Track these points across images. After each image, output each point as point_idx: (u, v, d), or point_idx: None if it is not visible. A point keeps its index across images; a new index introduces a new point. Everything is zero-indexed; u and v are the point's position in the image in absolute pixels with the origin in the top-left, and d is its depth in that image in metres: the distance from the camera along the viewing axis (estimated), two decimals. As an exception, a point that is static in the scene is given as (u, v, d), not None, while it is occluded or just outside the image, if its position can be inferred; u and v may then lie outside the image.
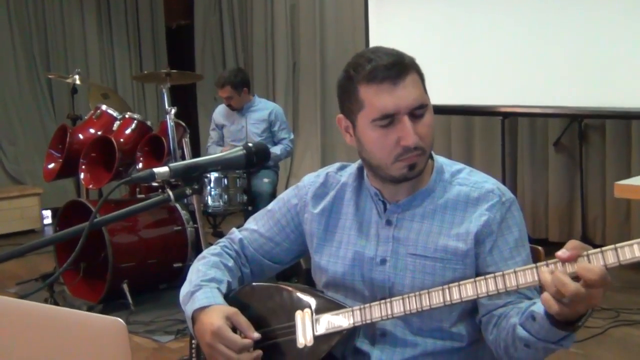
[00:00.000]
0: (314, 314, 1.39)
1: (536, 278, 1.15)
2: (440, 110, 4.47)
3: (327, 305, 1.39)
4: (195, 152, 5.84)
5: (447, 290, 1.25)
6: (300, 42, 6.60)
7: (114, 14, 7.17)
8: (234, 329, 1.39)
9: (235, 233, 1.65)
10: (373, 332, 1.44)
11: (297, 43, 6.64)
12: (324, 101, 6.40)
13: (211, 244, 1.66)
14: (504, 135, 4.51)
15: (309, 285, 1.59)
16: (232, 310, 1.41)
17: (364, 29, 5.06)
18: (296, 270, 3.39)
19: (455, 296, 1.24)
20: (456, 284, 1.24)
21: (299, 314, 1.41)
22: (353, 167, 1.56)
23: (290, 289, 1.46)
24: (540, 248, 1.54)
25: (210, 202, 4.30)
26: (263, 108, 5.00)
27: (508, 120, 4.59)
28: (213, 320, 1.37)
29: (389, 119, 1.35)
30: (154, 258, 4.09)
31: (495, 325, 1.36)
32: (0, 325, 1.07)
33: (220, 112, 5.12)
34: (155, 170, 1.39)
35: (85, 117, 4.58)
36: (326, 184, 1.57)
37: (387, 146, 1.36)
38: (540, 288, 1.17)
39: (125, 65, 7.24)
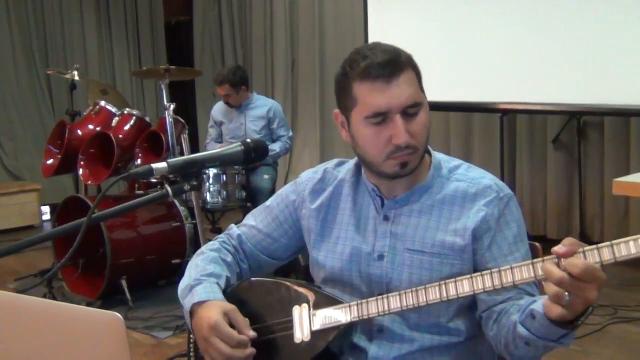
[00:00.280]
0: (311, 310, 1.39)
1: (532, 274, 1.16)
2: (439, 107, 4.48)
3: (324, 301, 1.39)
4: (194, 148, 5.84)
5: (444, 287, 1.25)
6: (300, 39, 6.60)
7: (113, 10, 7.16)
8: (231, 326, 1.39)
9: (234, 229, 1.65)
10: (371, 327, 1.44)
11: (297, 40, 6.64)
12: (323, 98, 6.40)
13: (210, 241, 1.66)
14: (502, 132, 4.50)
15: (308, 281, 1.59)
16: (231, 307, 1.40)
17: (363, 25, 5.05)
18: (295, 267, 3.39)
19: (452, 292, 1.24)
20: (453, 280, 1.24)
21: (296, 309, 1.41)
22: (351, 164, 1.57)
23: (288, 284, 1.46)
24: (538, 245, 1.54)
25: (209, 198, 4.29)
26: (262, 105, 4.97)
27: (507, 118, 4.58)
28: (211, 315, 1.37)
29: (381, 117, 1.35)
30: (152, 254, 4.09)
31: (496, 322, 1.36)
32: (-2, 320, 1.07)
33: (219, 110, 5.09)
34: (154, 166, 1.39)
35: (84, 113, 4.59)
36: (324, 180, 1.57)
37: (379, 144, 1.37)
38: (539, 284, 1.17)
39: (125, 61, 7.23)
